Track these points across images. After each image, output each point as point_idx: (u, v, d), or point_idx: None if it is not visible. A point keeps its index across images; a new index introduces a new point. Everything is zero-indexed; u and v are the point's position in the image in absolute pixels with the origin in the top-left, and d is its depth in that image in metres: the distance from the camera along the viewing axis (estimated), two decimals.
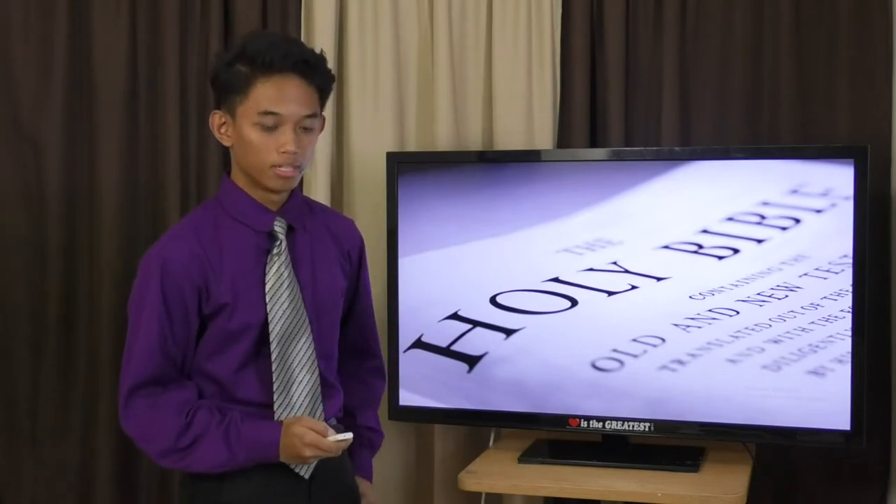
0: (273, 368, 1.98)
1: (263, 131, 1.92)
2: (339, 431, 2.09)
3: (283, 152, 1.92)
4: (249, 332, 1.97)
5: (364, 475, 2.22)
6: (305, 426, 1.90)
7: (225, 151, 2.96)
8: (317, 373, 2.02)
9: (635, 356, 2.58)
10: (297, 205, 2.06)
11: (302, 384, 1.99)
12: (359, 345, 2.23)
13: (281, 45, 1.94)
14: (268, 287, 1.98)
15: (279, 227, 2.01)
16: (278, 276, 1.99)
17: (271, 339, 1.97)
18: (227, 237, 1.99)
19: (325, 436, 1.90)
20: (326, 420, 2.05)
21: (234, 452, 1.92)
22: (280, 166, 1.93)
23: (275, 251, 2.00)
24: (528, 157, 2.73)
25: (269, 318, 1.97)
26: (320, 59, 2.00)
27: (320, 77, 1.98)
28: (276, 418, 1.98)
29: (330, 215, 2.19)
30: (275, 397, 1.98)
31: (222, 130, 1.98)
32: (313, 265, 2.06)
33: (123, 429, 1.98)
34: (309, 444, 1.89)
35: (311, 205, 2.16)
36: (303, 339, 2.00)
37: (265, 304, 1.97)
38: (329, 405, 2.06)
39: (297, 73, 1.93)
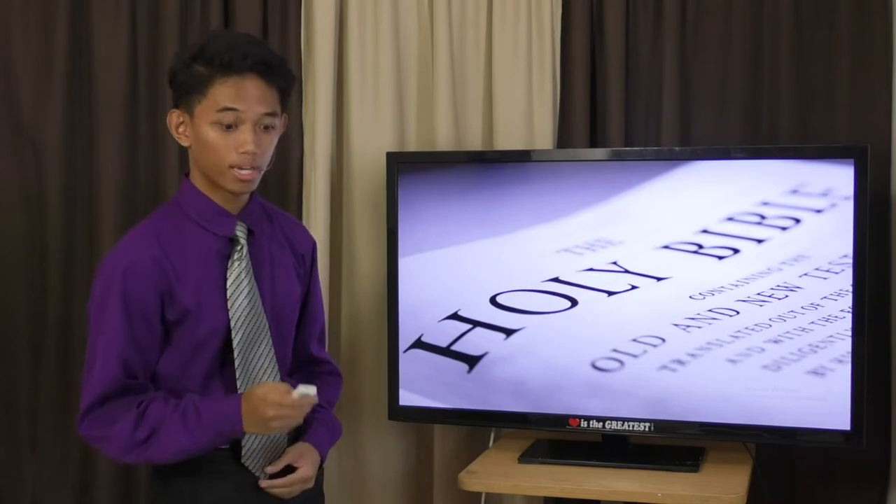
0: (237, 376, 1.97)
1: (222, 130, 1.90)
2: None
3: (243, 152, 1.90)
4: (214, 340, 1.96)
5: (311, 442, 2.07)
6: (267, 387, 1.86)
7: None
8: (278, 378, 2.02)
9: (635, 356, 2.58)
10: (255, 209, 2.04)
11: None
12: (302, 353, 2.19)
13: (240, 46, 1.92)
14: (229, 293, 1.96)
15: (240, 232, 1.99)
16: (238, 282, 1.97)
17: (234, 345, 1.95)
18: (189, 241, 1.97)
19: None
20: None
21: (196, 434, 1.88)
22: (239, 167, 1.92)
23: (235, 256, 1.98)
24: (527, 157, 2.73)
25: (232, 325, 1.95)
26: (281, 60, 1.99)
27: (281, 78, 1.97)
28: None
29: (285, 220, 2.17)
30: None
31: (180, 130, 1.97)
32: (272, 271, 2.05)
33: (80, 434, 1.93)
34: (272, 403, 1.83)
35: (268, 209, 2.13)
36: (263, 345, 1.99)
37: (227, 311, 1.95)
38: None
39: (257, 73, 1.92)
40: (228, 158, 1.91)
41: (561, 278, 2.65)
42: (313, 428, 2.09)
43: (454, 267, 2.71)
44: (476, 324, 2.69)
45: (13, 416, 3.10)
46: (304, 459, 2.02)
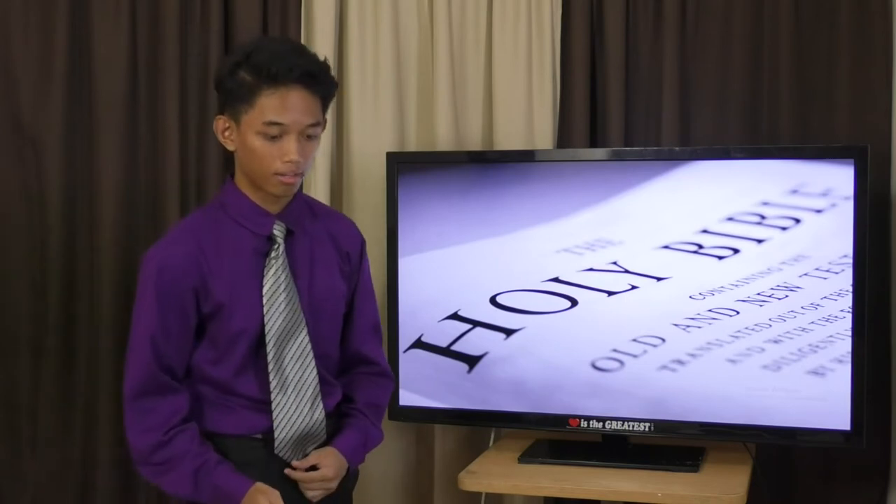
0: (269, 369, 2.01)
1: (267, 140, 1.95)
2: (329, 428, 2.10)
3: (287, 161, 1.95)
4: (247, 334, 2.01)
5: (338, 447, 2.09)
6: (271, 500, 1.96)
7: (226, 152, 3.00)
8: (314, 372, 2.04)
9: (635, 356, 2.59)
10: (297, 208, 2.08)
11: (298, 383, 2.03)
12: (351, 351, 2.21)
13: (286, 57, 1.96)
14: (265, 290, 2.01)
15: (278, 231, 2.03)
16: (275, 279, 2.01)
17: (267, 340, 2.00)
18: (226, 239, 2.02)
19: None
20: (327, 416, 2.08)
21: (199, 490, 1.98)
22: (283, 174, 1.96)
23: (272, 255, 2.02)
24: (527, 157, 2.73)
25: (266, 321, 2.00)
26: (324, 68, 2.01)
27: (324, 87, 2.01)
28: (273, 417, 2.01)
29: (331, 217, 2.20)
30: (272, 397, 2.02)
31: (226, 135, 2.01)
32: (311, 268, 2.08)
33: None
34: (266, 500, 1.96)
35: (313, 206, 2.17)
36: (299, 340, 2.03)
37: (262, 307, 2.00)
38: (327, 402, 2.09)
39: (302, 84, 1.95)
40: (273, 166, 1.96)
41: (561, 278, 2.65)
42: (344, 433, 2.12)
43: (454, 267, 2.71)
44: (476, 324, 2.69)
45: (13, 416, 3.10)
46: (327, 461, 2.06)
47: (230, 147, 2.01)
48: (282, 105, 1.93)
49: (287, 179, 1.97)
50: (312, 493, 2.05)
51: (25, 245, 3.08)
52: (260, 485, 1.97)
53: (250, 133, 1.95)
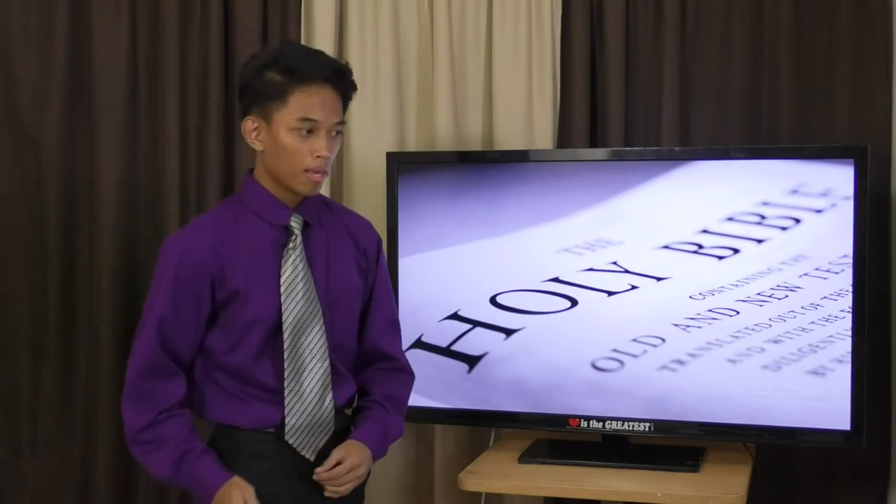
0: (285, 357, 2.04)
1: (299, 137, 2.00)
2: (346, 422, 2.12)
3: (318, 157, 2.01)
4: (263, 323, 2.04)
5: (358, 438, 2.10)
6: (245, 496, 1.98)
7: (228, 151, 3.00)
8: (328, 362, 2.07)
9: (635, 356, 2.59)
10: (313, 203, 2.13)
11: (313, 373, 2.05)
12: (369, 346, 2.23)
13: (314, 58, 2.04)
14: (283, 279, 2.05)
15: (295, 223, 2.08)
16: (293, 268, 2.05)
17: (284, 328, 2.04)
18: (245, 230, 2.07)
19: None
20: (337, 409, 2.09)
21: (180, 476, 2.02)
22: (314, 171, 2.01)
23: (290, 245, 2.07)
24: (527, 157, 2.73)
25: (283, 309, 2.04)
26: (349, 70, 2.08)
27: (348, 87, 2.07)
28: (285, 404, 2.04)
29: (347, 214, 2.25)
30: (285, 384, 2.04)
31: (254, 136, 2.05)
32: (328, 260, 2.12)
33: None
34: (239, 498, 1.99)
35: (330, 204, 2.21)
36: (315, 330, 2.06)
37: (279, 296, 2.04)
38: (339, 394, 2.11)
39: (330, 83, 2.02)
40: (304, 163, 2.01)
41: (561, 278, 2.65)
42: (362, 426, 2.13)
43: (454, 267, 2.71)
44: (476, 324, 2.69)
45: (13, 416, 3.10)
46: (350, 452, 2.06)
47: (258, 147, 2.06)
48: (314, 102, 2.00)
49: (315, 177, 2.02)
50: (345, 487, 2.04)
51: (25, 245, 3.08)
52: (237, 479, 2.00)
53: (282, 130, 2.00)
